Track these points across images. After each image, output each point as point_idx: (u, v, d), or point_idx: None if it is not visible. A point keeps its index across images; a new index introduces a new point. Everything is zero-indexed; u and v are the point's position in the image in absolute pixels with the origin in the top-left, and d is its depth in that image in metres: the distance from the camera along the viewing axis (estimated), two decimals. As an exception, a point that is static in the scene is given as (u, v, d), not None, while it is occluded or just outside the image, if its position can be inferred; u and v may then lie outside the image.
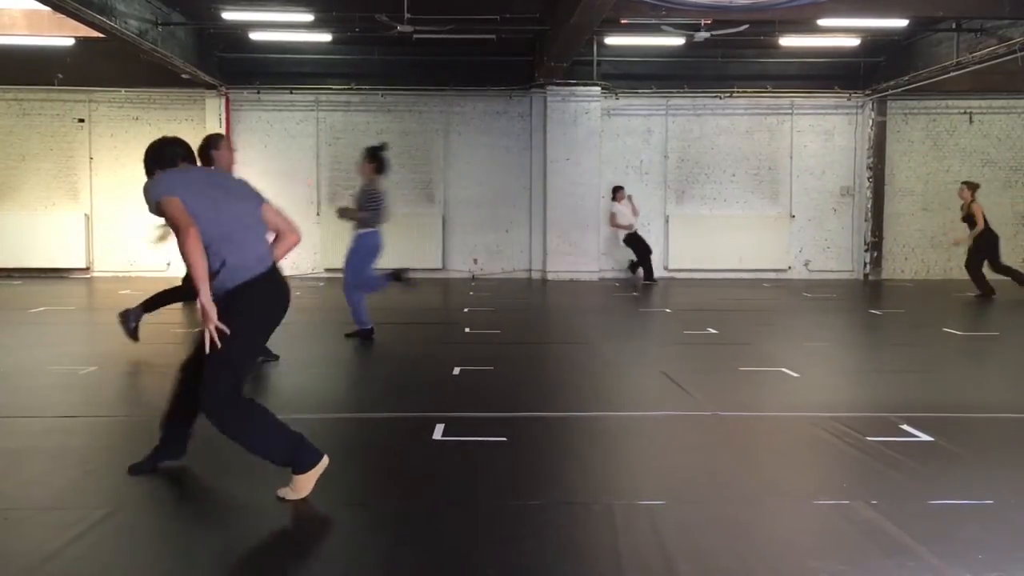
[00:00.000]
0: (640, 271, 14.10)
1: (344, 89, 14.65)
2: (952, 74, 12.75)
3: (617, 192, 14.03)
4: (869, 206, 14.98)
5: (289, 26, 12.67)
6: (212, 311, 3.27)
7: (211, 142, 5.96)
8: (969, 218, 11.90)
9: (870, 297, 12.47)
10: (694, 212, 14.93)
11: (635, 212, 14.03)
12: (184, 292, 7.04)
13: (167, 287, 7.34)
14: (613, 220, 14.00)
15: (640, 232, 14.04)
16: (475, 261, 14.94)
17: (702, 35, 11.59)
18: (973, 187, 11.99)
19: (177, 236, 3.30)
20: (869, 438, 4.39)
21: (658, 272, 14.87)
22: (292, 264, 14.84)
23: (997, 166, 15.13)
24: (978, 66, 12.16)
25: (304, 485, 3.46)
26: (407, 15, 10.95)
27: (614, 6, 9.71)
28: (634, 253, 14.07)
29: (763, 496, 3.60)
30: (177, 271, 14.03)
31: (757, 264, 14.86)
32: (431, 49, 13.37)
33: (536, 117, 14.73)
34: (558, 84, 14.21)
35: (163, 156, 3.80)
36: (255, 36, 13.20)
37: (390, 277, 7.93)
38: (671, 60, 14.45)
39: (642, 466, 4.15)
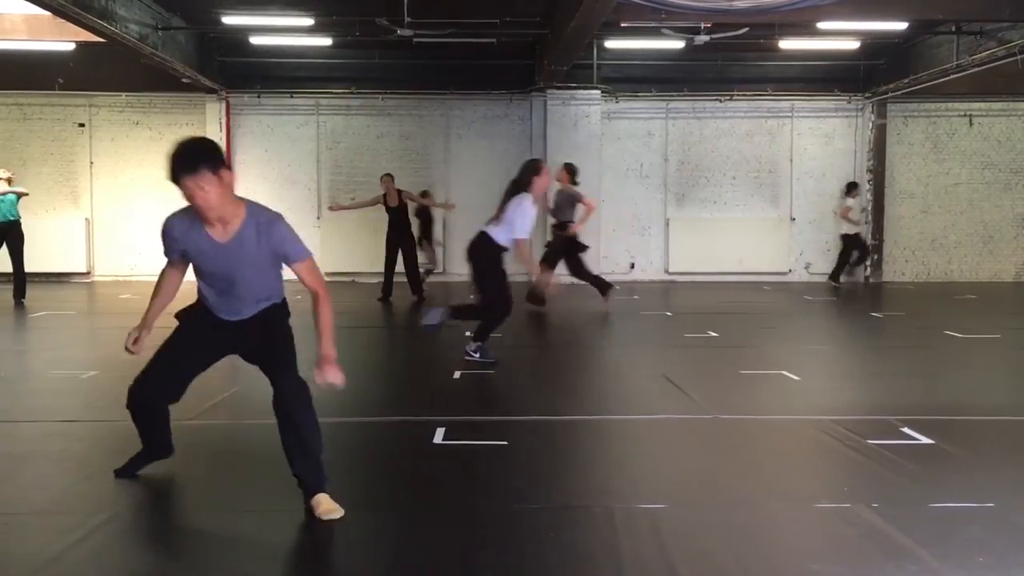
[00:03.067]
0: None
1: (344, 93, 14.66)
2: (952, 77, 12.77)
3: (852, 189, 14.33)
4: (869, 209, 14.98)
5: (289, 30, 12.67)
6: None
7: (534, 168, 6.75)
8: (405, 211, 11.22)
9: (871, 300, 12.47)
10: (694, 215, 14.92)
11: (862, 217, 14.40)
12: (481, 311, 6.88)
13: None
14: (845, 212, 14.22)
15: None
16: (475, 264, 14.94)
17: (702, 38, 11.61)
18: (391, 177, 11.49)
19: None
20: (870, 441, 4.39)
21: (658, 275, 14.91)
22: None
23: (997, 169, 15.13)
24: (978, 69, 12.17)
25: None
26: (407, 19, 10.96)
27: (614, 9, 9.72)
28: (845, 253, 14.32)
29: (764, 499, 3.60)
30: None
31: (758, 267, 14.84)
32: (431, 53, 13.37)
33: (536, 120, 14.74)
34: (558, 87, 14.22)
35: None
36: (255, 40, 13.22)
37: None
38: (671, 63, 14.45)
39: (643, 469, 4.15)
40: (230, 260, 3.40)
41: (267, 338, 3.54)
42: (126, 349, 3.55)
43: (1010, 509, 3.42)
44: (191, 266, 3.54)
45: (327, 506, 3.36)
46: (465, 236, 15.01)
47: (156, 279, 3.71)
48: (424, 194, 13.35)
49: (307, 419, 3.45)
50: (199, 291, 3.59)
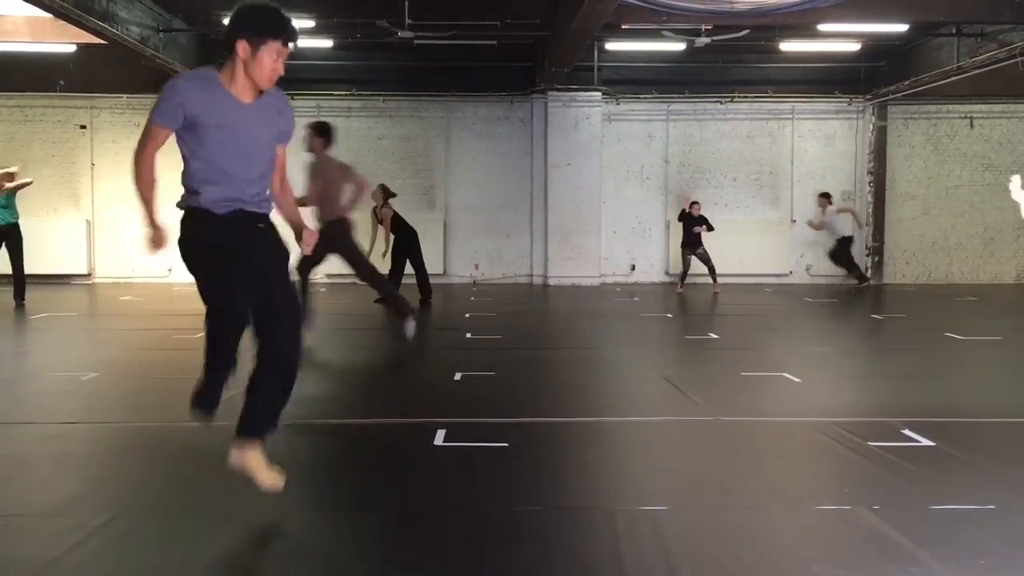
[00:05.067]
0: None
1: (345, 95, 14.67)
2: (953, 79, 12.78)
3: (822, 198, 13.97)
4: (870, 211, 14.99)
5: (290, 32, 12.67)
6: None
7: None
8: None
9: (871, 302, 12.46)
10: (695, 217, 14.91)
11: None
12: None
13: None
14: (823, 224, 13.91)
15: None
16: (476, 266, 14.95)
17: (703, 40, 11.63)
18: (380, 189, 11.07)
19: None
20: (871, 443, 4.38)
21: (659, 277, 14.92)
22: (292, 269, 14.89)
23: (998, 170, 15.12)
24: (979, 71, 12.18)
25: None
26: (408, 21, 10.98)
27: (615, 11, 9.74)
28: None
29: (765, 501, 3.60)
30: (179, 277, 14.05)
31: (758, 269, 14.85)
32: (432, 55, 13.39)
33: (537, 122, 14.75)
34: (559, 89, 14.24)
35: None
36: (256, 42, 13.22)
37: None
38: (672, 65, 14.47)
39: (644, 471, 4.14)
40: (249, 125, 3.27)
41: (273, 249, 3.51)
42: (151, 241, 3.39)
43: (1011, 511, 3.41)
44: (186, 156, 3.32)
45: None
46: (466, 238, 15.13)
47: (139, 170, 3.47)
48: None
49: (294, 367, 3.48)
50: (192, 193, 3.36)
